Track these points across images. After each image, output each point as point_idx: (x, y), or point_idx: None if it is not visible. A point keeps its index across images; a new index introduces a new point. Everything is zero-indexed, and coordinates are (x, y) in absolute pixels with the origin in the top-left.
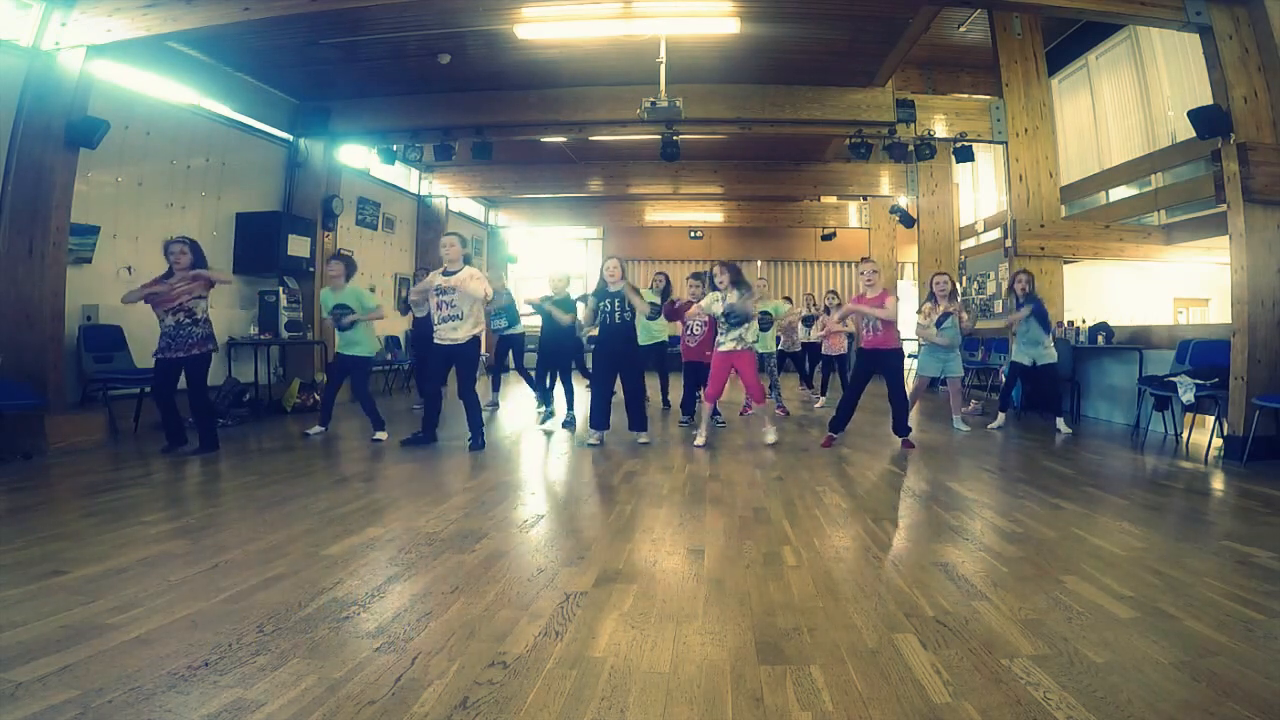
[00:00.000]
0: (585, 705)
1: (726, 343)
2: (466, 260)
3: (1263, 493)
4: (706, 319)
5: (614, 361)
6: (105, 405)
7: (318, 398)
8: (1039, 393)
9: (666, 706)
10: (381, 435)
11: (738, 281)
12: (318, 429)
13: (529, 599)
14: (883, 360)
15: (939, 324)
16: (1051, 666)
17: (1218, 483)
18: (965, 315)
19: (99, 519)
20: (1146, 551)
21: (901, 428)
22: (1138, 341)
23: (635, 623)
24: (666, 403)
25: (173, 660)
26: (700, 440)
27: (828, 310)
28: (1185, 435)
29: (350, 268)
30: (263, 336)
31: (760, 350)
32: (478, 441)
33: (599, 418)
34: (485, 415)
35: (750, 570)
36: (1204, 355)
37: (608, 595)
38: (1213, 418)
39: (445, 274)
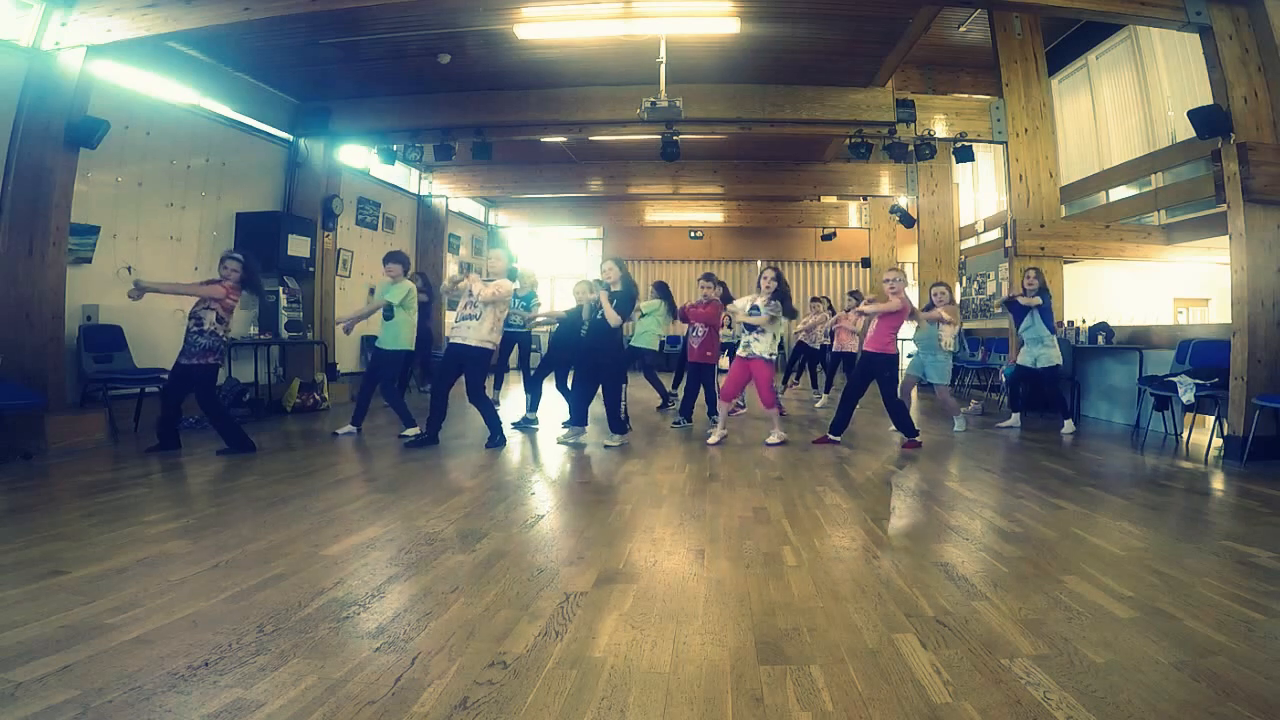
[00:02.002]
0: (585, 705)
1: (740, 349)
2: (511, 275)
3: (1263, 493)
4: (706, 327)
5: (595, 361)
6: (105, 405)
7: (318, 398)
8: (1040, 394)
9: (666, 706)
10: (411, 432)
11: (780, 294)
12: (349, 429)
13: (529, 599)
14: (875, 364)
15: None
16: (1051, 666)
17: (1218, 483)
18: (946, 319)
19: (99, 519)
20: (1146, 551)
21: (905, 429)
22: (1138, 341)
23: (635, 623)
24: (666, 401)
25: (173, 660)
26: (715, 439)
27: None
28: (1185, 435)
29: (405, 266)
30: (263, 336)
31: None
32: (496, 439)
33: (580, 415)
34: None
35: (750, 570)
36: (1204, 355)
37: (608, 595)
38: (1213, 418)
39: (486, 280)
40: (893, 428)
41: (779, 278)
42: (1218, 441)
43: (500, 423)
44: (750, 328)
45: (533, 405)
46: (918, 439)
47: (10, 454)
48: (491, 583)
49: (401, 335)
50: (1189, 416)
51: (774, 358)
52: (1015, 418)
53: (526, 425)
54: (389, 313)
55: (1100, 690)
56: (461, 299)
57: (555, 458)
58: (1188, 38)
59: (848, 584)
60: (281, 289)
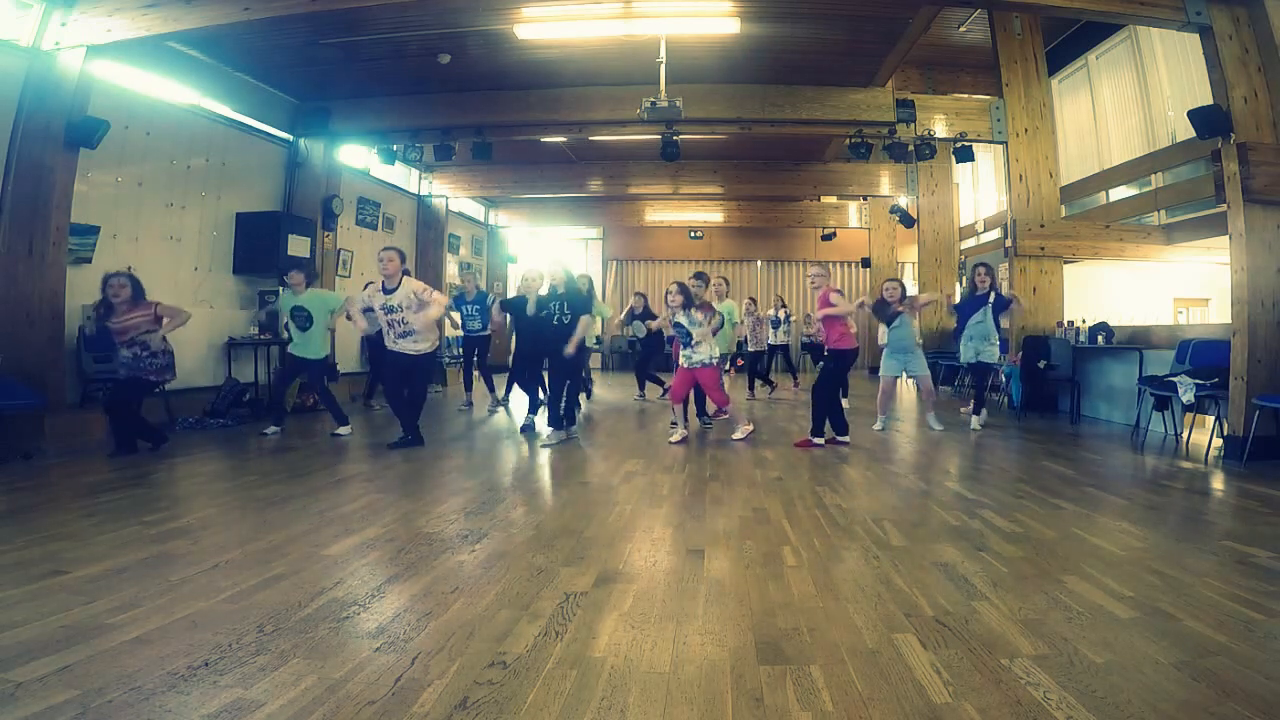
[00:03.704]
0: (585, 705)
1: (682, 360)
2: (405, 274)
3: (1263, 493)
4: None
5: (555, 362)
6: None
7: (317, 398)
8: (1039, 392)
9: (666, 706)
10: (344, 430)
11: (689, 304)
12: (273, 429)
13: (529, 599)
14: (831, 356)
15: (889, 323)
16: (1051, 666)
17: (1218, 483)
18: (920, 307)
19: (99, 519)
20: (1146, 551)
21: (814, 429)
22: (1138, 341)
23: (635, 623)
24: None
25: (173, 660)
26: (676, 438)
27: (777, 322)
28: (1185, 435)
29: (310, 275)
30: (262, 337)
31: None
32: (408, 439)
33: (548, 415)
34: (490, 415)
35: (750, 570)
36: (1204, 355)
37: (608, 595)
38: (1213, 418)
39: (385, 290)
40: (877, 426)
41: (682, 290)
42: (1218, 441)
43: (417, 426)
44: (687, 340)
45: (532, 408)
46: (820, 441)
47: (10, 454)
48: (491, 583)
49: (323, 344)
50: (1189, 416)
51: (714, 359)
52: (977, 417)
53: (528, 428)
54: (304, 323)
55: (1100, 690)
56: (379, 314)
57: (554, 458)
58: (1188, 38)
59: (848, 584)
60: (281, 289)
